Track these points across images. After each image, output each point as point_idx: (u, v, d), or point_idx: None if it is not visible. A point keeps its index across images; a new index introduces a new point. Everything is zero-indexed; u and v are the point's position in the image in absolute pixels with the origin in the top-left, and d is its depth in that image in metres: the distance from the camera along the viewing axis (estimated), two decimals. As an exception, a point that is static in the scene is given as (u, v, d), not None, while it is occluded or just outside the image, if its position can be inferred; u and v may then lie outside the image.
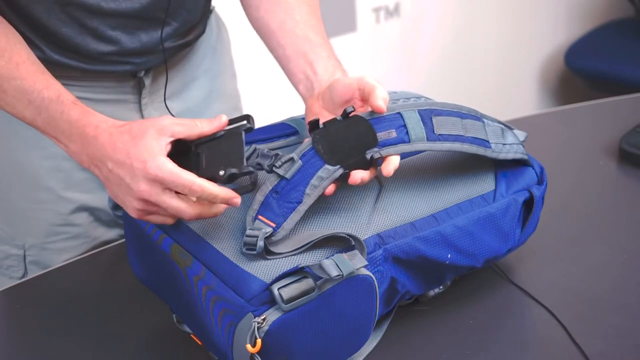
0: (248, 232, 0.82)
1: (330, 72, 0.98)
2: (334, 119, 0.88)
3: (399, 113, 0.90)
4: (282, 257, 0.81)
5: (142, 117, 1.10)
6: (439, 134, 0.90)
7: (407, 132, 0.89)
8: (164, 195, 0.81)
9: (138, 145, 0.82)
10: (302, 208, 0.84)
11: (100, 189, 1.08)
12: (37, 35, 0.99)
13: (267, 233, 0.81)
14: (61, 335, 0.99)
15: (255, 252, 0.81)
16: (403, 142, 0.88)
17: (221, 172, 0.82)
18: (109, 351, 0.95)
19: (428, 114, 0.91)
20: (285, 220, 0.83)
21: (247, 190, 0.86)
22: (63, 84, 1.04)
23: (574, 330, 0.93)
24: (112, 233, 1.15)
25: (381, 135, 0.87)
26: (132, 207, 0.83)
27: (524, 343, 0.96)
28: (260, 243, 0.80)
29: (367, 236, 0.86)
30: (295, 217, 0.83)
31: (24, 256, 1.13)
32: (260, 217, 0.83)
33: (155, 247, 0.90)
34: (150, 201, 0.82)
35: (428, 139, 0.90)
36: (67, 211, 1.11)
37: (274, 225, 0.82)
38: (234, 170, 0.82)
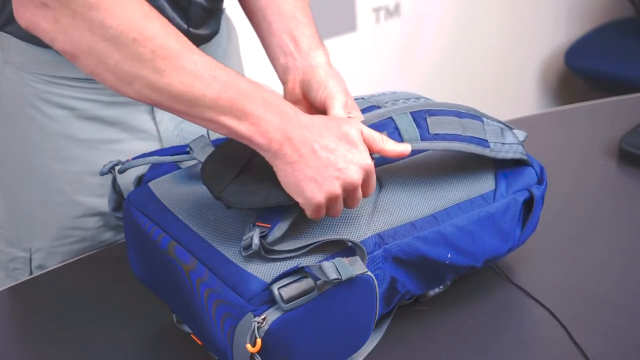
0: (244, 237, 0.82)
1: (313, 50, 0.99)
2: None
3: (390, 117, 0.91)
4: (283, 256, 0.81)
5: (154, 119, 1.10)
6: (434, 134, 0.91)
7: (399, 134, 0.89)
8: (369, 181, 0.85)
9: (348, 137, 0.84)
10: (296, 208, 0.84)
11: None
12: None
13: (262, 232, 0.81)
14: (61, 335, 0.99)
15: (252, 251, 0.80)
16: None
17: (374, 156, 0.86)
18: (109, 351, 0.95)
19: (422, 115, 0.92)
20: (280, 220, 0.83)
21: None
22: (75, 87, 1.04)
23: (574, 330, 0.93)
24: (119, 237, 1.14)
25: None
26: (326, 191, 0.82)
27: (524, 343, 0.96)
28: (256, 241, 0.80)
29: (367, 236, 0.86)
30: (289, 216, 0.83)
31: (30, 259, 1.13)
32: (257, 223, 0.83)
33: (154, 247, 0.90)
34: (353, 187, 0.83)
35: (422, 139, 0.90)
36: (78, 214, 1.10)
37: (269, 225, 0.82)
38: (376, 156, 0.87)
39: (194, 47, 0.81)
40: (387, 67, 2.57)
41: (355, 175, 0.82)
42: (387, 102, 1.01)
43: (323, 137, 0.82)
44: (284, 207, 0.83)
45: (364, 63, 2.49)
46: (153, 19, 0.80)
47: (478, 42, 2.76)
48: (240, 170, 0.84)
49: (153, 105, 0.83)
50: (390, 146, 0.87)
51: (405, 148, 0.87)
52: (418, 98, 1.04)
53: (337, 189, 0.82)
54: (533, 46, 2.95)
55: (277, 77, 1.03)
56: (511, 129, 1.01)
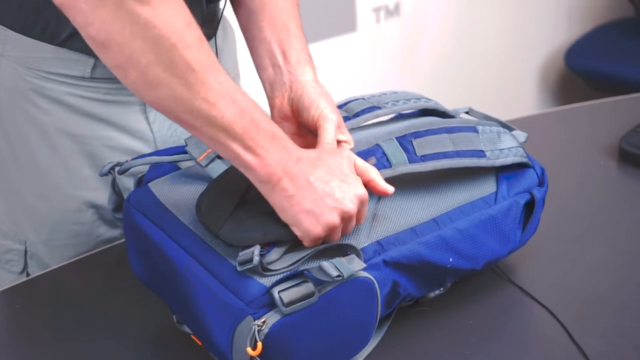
0: (241, 253, 0.82)
1: (302, 65, 0.98)
2: None
3: (377, 144, 0.92)
4: (279, 273, 0.81)
5: (147, 119, 1.10)
6: (422, 155, 0.92)
7: (387, 159, 0.91)
8: (362, 209, 0.86)
9: (341, 168, 0.85)
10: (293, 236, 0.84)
11: (105, 187, 1.07)
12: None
13: (262, 250, 0.81)
14: (61, 336, 0.99)
15: (251, 266, 0.80)
16: (384, 167, 0.90)
17: None
18: (108, 351, 0.95)
19: (407, 139, 0.93)
20: (276, 244, 0.83)
21: None
22: (71, 84, 1.04)
23: (574, 330, 0.93)
24: (114, 232, 1.14)
25: None
26: (324, 223, 0.82)
27: (524, 343, 0.96)
28: (256, 257, 0.80)
29: (368, 243, 0.86)
30: (286, 242, 0.83)
31: (25, 252, 1.13)
32: None
33: (155, 247, 0.90)
34: (350, 217, 0.84)
35: (410, 162, 0.91)
36: (73, 208, 1.10)
37: (266, 247, 0.82)
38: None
39: (220, 65, 0.80)
40: (387, 67, 2.57)
41: (351, 205, 0.83)
42: (387, 103, 1.01)
43: (317, 168, 0.83)
44: None
45: (364, 63, 2.49)
46: (193, 27, 0.78)
47: (478, 42, 2.76)
48: (235, 206, 0.84)
49: (167, 115, 0.81)
50: (381, 180, 0.88)
51: (390, 188, 0.88)
52: (419, 98, 1.04)
53: (335, 219, 0.82)
54: (533, 46, 2.94)
55: (262, 88, 1.02)
56: (511, 130, 1.01)
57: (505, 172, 0.97)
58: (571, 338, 0.92)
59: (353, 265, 0.80)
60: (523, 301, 0.99)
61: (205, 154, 0.92)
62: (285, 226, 0.82)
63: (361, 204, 0.84)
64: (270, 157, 0.80)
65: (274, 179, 0.81)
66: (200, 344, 0.90)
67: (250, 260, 0.80)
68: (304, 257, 0.82)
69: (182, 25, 0.77)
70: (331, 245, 0.83)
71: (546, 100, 3.07)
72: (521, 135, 1.01)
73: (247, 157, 0.80)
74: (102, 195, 1.09)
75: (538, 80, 3.02)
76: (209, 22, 1.10)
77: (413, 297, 0.93)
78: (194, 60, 0.77)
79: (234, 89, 0.80)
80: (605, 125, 1.39)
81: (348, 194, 0.83)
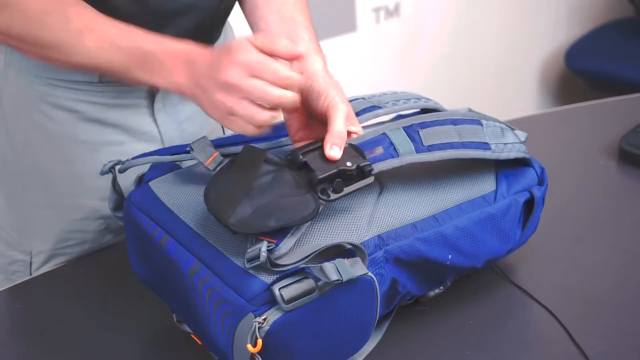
0: (249, 249, 0.81)
1: (311, 55, 0.98)
2: (316, 141, 0.88)
3: (384, 133, 0.92)
4: (287, 269, 0.81)
5: (155, 121, 1.10)
6: (429, 145, 0.91)
7: (394, 149, 0.90)
8: (248, 79, 0.84)
9: (227, 48, 0.87)
10: (302, 226, 0.83)
11: None
12: None
13: (270, 246, 0.81)
14: (61, 335, 0.99)
15: (259, 262, 0.80)
16: (392, 157, 0.89)
17: (349, 164, 0.85)
18: (108, 351, 0.95)
19: (414, 129, 0.93)
20: (285, 236, 0.82)
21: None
22: (78, 89, 1.04)
23: (574, 330, 0.93)
24: (118, 240, 1.14)
25: (368, 153, 0.88)
26: (218, 102, 0.85)
27: (524, 343, 0.96)
28: (264, 254, 0.79)
29: (368, 238, 0.86)
30: (295, 233, 0.83)
31: (30, 262, 1.13)
32: (260, 237, 0.82)
33: (155, 246, 0.90)
34: (234, 86, 0.84)
35: (417, 151, 0.91)
36: (79, 217, 1.10)
37: (274, 241, 0.82)
38: (363, 162, 0.85)
39: (95, 17, 0.92)
40: (387, 67, 2.57)
41: (231, 73, 0.83)
42: (387, 102, 1.01)
43: (220, 69, 0.84)
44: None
45: (364, 63, 2.49)
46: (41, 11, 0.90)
47: (478, 42, 2.76)
48: (243, 195, 0.84)
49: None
50: (281, 46, 0.86)
51: (296, 50, 0.88)
52: (419, 98, 1.04)
53: (218, 93, 0.84)
54: (533, 46, 2.95)
55: None
56: (512, 129, 1.01)
57: (505, 171, 0.97)
58: (571, 338, 0.92)
59: (355, 270, 0.80)
60: (523, 301, 0.99)
61: (212, 157, 0.92)
62: (295, 212, 0.82)
63: (247, 66, 0.83)
64: (176, 76, 0.88)
65: (188, 92, 0.89)
66: (200, 343, 0.90)
67: (258, 257, 0.80)
68: (314, 252, 0.81)
69: (31, 15, 0.91)
70: (340, 243, 0.83)
71: (546, 100, 3.07)
72: (521, 135, 1.01)
73: (156, 80, 0.90)
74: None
75: (538, 80, 3.02)
76: (216, 28, 1.11)
77: (413, 295, 0.93)
78: (58, 38, 0.91)
79: (111, 36, 0.90)
80: (605, 125, 1.39)
81: (225, 66, 0.84)
